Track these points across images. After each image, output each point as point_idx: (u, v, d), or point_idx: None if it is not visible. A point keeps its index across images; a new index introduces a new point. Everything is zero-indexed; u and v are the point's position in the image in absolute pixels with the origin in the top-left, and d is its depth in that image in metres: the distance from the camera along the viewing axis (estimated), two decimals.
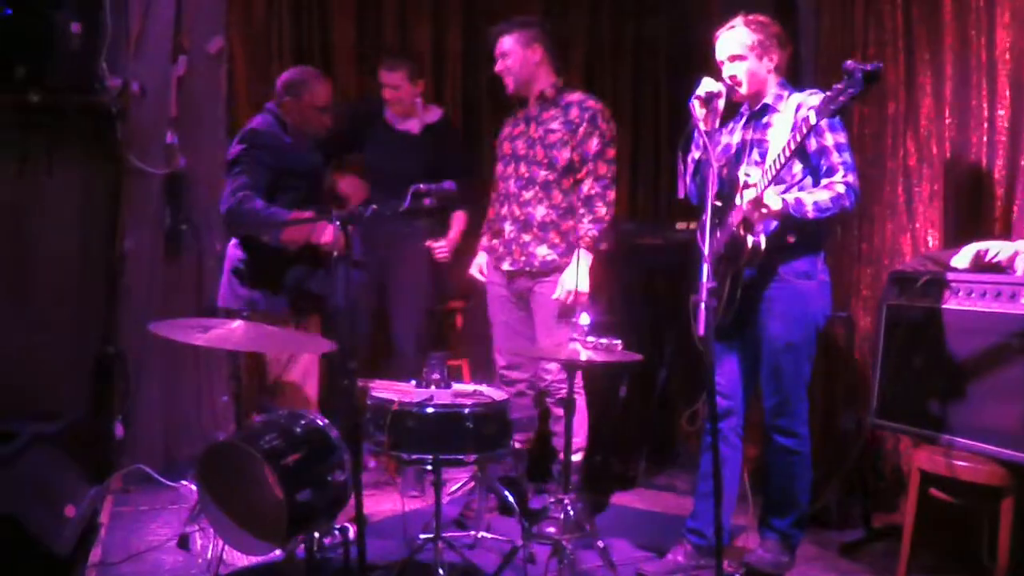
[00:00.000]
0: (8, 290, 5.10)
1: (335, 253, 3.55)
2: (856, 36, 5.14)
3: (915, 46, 4.85)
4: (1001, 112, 4.40)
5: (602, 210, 4.71)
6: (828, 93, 3.43)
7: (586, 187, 4.72)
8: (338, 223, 3.55)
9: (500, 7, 6.39)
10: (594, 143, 4.72)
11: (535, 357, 4.91)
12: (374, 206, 3.65)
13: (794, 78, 4.37)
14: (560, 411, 4.76)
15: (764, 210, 3.73)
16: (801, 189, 3.88)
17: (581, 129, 4.73)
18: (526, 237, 4.84)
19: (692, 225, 5.35)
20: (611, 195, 4.76)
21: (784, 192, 3.85)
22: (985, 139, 4.47)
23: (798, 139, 3.61)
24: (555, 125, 4.78)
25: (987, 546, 3.98)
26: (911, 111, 4.86)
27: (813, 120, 3.50)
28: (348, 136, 5.59)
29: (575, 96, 4.85)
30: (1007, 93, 4.38)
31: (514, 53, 4.83)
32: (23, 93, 4.89)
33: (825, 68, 5.28)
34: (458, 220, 5.63)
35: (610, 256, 5.07)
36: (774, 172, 3.71)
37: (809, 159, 3.90)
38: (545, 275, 4.80)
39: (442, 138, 5.63)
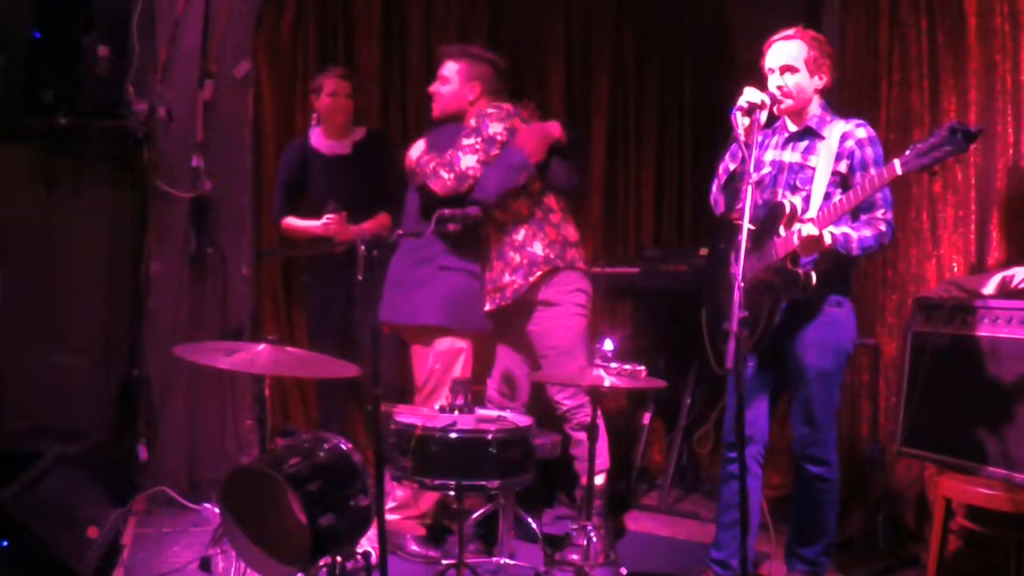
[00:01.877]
0: (35, 312, 5.14)
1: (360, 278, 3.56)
2: (881, 61, 5.13)
3: (940, 71, 4.83)
4: None
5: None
6: (920, 146, 3.36)
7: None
8: (363, 249, 3.55)
9: (525, 30, 6.43)
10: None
11: (560, 384, 4.85)
12: (400, 231, 3.66)
13: None
14: (579, 435, 4.71)
15: (818, 248, 3.71)
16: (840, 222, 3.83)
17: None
18: (495, 268, 4.63)
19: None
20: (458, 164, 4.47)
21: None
22: (1011, 164, 4.45)
23: (867, 188, 3.56)
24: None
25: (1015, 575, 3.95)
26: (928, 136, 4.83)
27: (899, 171, 3.43)
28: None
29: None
30: None
31: (452, 82, 4.69)
32: (51, 117, 4.94)
33: (849, 92, 5.27)
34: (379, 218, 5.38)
35: (634, 281, 5.05)
36: (824, 208, 3.69)
37: None
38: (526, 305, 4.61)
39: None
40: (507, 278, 4.55)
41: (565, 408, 4.70)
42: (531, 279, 4.51)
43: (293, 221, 5.23)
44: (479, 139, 4.49)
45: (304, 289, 5.73)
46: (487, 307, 4.66)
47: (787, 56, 3.92)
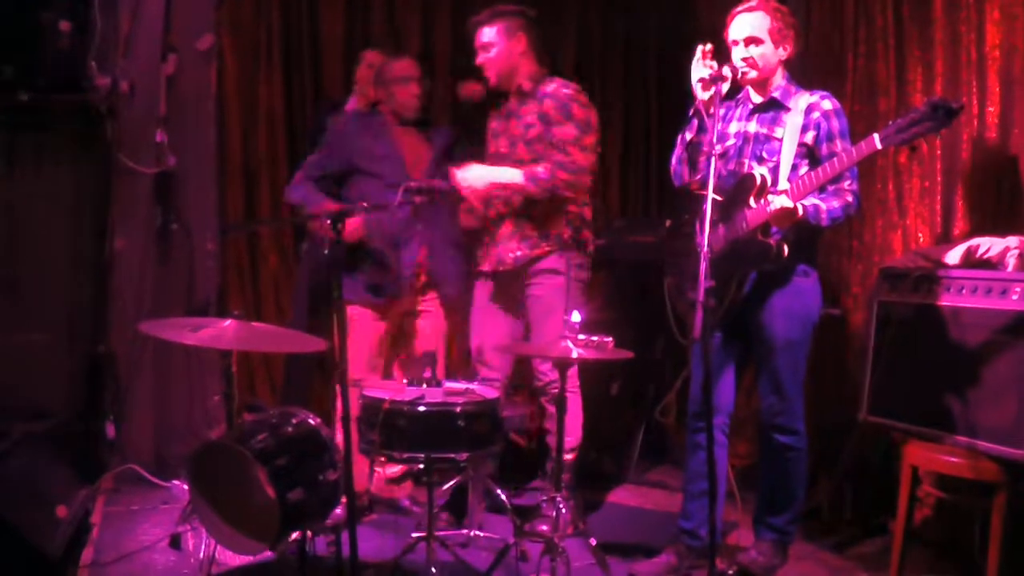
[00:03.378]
0: None
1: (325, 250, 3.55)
2: (846, 33, 5.15)
3: (905, 43, 4.85)
4: (991, 108, 4.40)
5: (566, 176, 4.55)
6: (900, 121, 3.39)
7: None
8: (329, 221, 3.54)
9: (487, 3, 6.39)
10: (569, 130, 4.58)
11: (528, 355, 4.89)
12: (364, 203, 3.64)
13: None
14: (554, 409, 4.73)
15: (791, 220, 3.73)
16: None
17: (553, 118, 4.60)
18: (501, 233, 4.73)
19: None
20: (585, 180, 4.61)
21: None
22: (975, 136, 4.47)
23: (844, 161, 3.60)
24: (532, 119, 4.67)
25: (979, 542, 3.99)
26: (901, 107, 4.85)
27: (879, 145, 3.46)
28: None
29: (550, 87, 4.69)
30: (997, 90, 4.38)
31: (497, 44, 4.71)
32: (12, 92, 4.88)
33: (816, 63, 5.28)
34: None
35: (602, 253, 5.06)
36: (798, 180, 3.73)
37: (819, 164, 3.84)
38: (529, 274, 4.71)
39: None
40: (514, 245, 4.66)
41: (546, 380, 4.74)
42: (535, 251, 4.64)
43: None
44: (581, 131, 4.60)
45: (300, 257, 5.71)
46: (484, 267, 4.77)
47: (751, 27, 3.93)
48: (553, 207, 4.63)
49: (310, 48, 6.08)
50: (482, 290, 4.88)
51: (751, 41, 3.93)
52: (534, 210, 4.63)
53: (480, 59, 4.79)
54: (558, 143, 4.57)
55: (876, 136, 3.47)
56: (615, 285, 5.83)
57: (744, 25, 3.95)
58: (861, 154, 3.56)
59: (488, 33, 4.74)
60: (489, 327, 4.85)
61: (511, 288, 4.78)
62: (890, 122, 3.47)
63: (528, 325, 4.78)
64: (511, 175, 4.56)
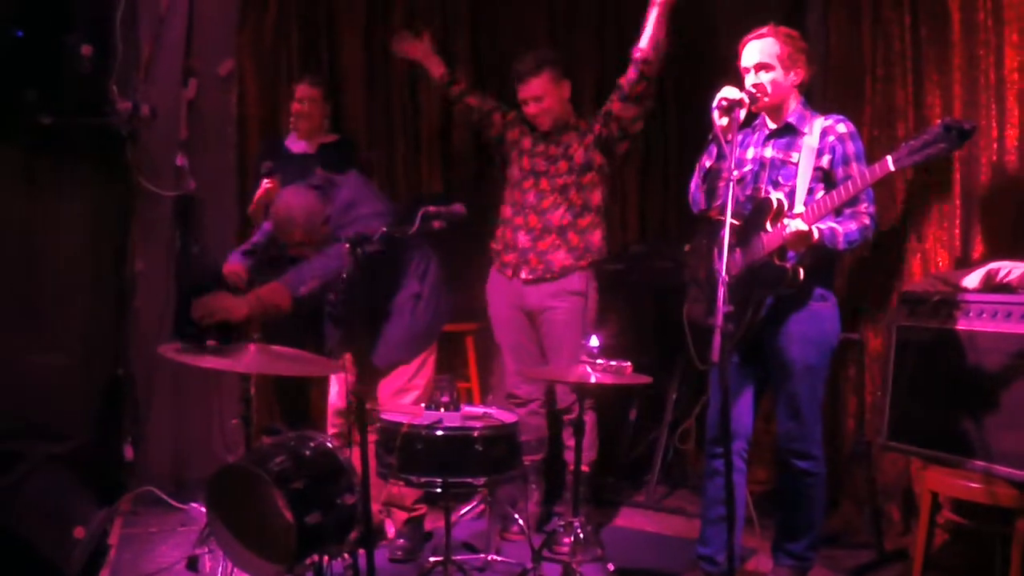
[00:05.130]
0: (18, 312, 5.11)
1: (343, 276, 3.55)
2: (865, 57, 5.13)
3: (923, 66, 4.83)
4: (1010, 132, 4.38)
5: None
6: (913, 142, 3.39)
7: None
8: (347, 246, 3.55)
9: (507, 27, 6.42)
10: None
11: (545, 380, 4.91)
12: (383, 229, 3.64)
13: None
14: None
15: (806, 243, 3.73)
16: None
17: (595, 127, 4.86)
18: (543, 244, 4.86)
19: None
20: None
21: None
22: (995, 159, 4.46)
23: (858, 184, 3.61)
24: (571, 140, 4.91)
25: (1000, 568, 3.96)
26: (920, 132, 4.84)
27: (891, 167, 3.46)
28: None
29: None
30: (1016, 113, 4.36)
31: (549, 94, 4.88)
32: (34, 115, 4.92)
33: (834, 89, 5.28)
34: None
35: (620, 277, 5.08)
36: (812, 204, 3.73)
37: (835, 187, 3.86)
38: (560, 290, 4.82)
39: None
40: (561, 255, 4.82)
41: (568, 402, 4.77)
42: (582, 262, 4.80)
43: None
44: None
45: None
46: (524, 275, 4.88)
47: (761, 54, 3.96)
48: (593, 217, 4.87)
49: (330, 73, 6.09)
50: (504, 314, 4.99)
51: (761, 67, 3.95)
52: (576, 222, 4.84)
53: (533, 109, 4.93)
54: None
55: (889, 158, 3.47)
56: (633, 310, 5.82)
57: (754, 52, 3.97)
58: (875, 176, 3.55)
59: (537, 85, 4.87)
60: (522, 350, 5.00)
61: (536, 305, 4.90)
62: (903, 144, 3.47)
63: (542, 345, 4.85)
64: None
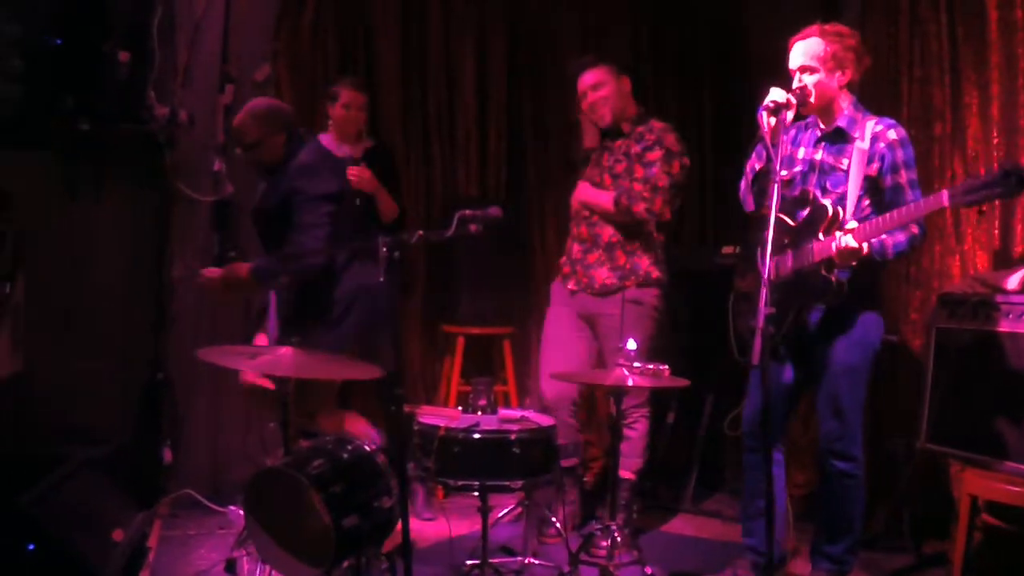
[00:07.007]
0: (58, 317, 5.15)
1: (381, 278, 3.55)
2: (901, 56, 5.11)
3: (961, 66, 4.80)
4: None
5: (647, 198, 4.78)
6: (971, 181, 3.32)
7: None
8: (384, 249, 3.55)
9: (543, 33, 6.41)
10: (656, 154, 4.81)
11: (583, 383, 4.91)
12: (420, 232, 3.64)
13: None
14: (630, 433, 4.86)
15: (855, 258, 3.71)
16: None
17: (654, 148, 4.83)
18: (591, 258, 4.89)
19: (737, 249, 5.30)
20: (658, 201, 4.78)
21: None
22: None
23: (912, 212, 3.56)
24: (631, 152, 4.89)
25: None
26: (958, 132, 4.81)
27: (946, 203, 3.39)
28: None
29: (648, 126, 4.92)
30: None
31: (608, 83, 4.89)
32: (73, 122, 4.96)
33: (871, 89, 5.24)
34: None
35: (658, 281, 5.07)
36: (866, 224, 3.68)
37: (882, 195, 3.84)
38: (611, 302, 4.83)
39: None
40: (604, 272, 4.86)
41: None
42: (625, 282, 4.83)
43: None
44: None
45: None
46: (570, 286, 4.94)
47: (804, 56, 3.93)
48: (643, 241, 4.84)
49: (366, 77, 6.11)
50: (560, 312, 5.00)
51: (805, 70, 3.91)
52: (625, 242, 4.84)
53: (591, 98, 4.94)
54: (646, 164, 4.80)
55: (945, 193, 3.39)
56: (670, 313, 5.80)
57: (798, 54, 3.94)
58: (929, 208, 3.50)
59: (595, 73, 4.91)
60: (563, 350, 4.98)
61: (591, 310, 4.91)
62: (960, 182, 3.43)
63: (601, 351, 4.85)
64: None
